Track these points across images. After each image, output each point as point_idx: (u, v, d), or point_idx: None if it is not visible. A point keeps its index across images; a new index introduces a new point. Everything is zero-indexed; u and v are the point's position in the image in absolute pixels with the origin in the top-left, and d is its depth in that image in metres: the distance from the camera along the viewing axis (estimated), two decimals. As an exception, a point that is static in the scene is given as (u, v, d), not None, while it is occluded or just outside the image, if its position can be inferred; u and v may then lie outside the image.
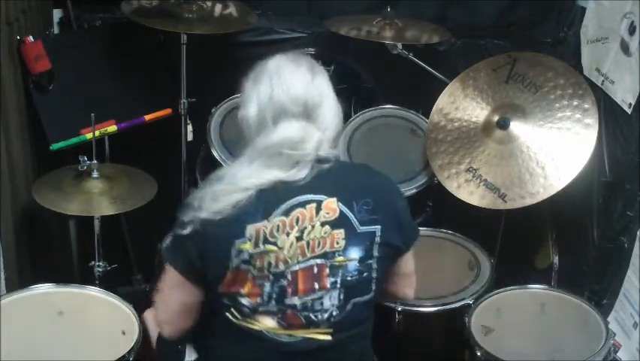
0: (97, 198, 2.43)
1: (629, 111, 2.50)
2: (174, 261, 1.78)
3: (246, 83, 1.78)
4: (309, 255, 1.72)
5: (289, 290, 1.73)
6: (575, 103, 2.51)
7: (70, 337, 2.14)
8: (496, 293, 2.32)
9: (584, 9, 2.85)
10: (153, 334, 2.00)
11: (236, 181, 1.70)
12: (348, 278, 1.76)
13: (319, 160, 1.74)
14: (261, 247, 1.70)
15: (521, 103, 2.59)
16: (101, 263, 2.58)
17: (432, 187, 2.80)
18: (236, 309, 1.76)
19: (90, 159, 2.46)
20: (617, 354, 2.37)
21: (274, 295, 1.73)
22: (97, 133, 2.57)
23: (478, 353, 2.12)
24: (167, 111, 2.97)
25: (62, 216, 2.50)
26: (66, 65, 2.83)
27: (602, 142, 2.61)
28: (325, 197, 1.72)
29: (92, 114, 2.46)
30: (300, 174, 1.71)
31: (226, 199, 1.68)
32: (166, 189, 2.60)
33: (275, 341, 1.76)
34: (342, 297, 1.76)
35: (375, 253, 1.77)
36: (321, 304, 1.75)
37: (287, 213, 1.70)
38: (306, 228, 1.71)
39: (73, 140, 2.78)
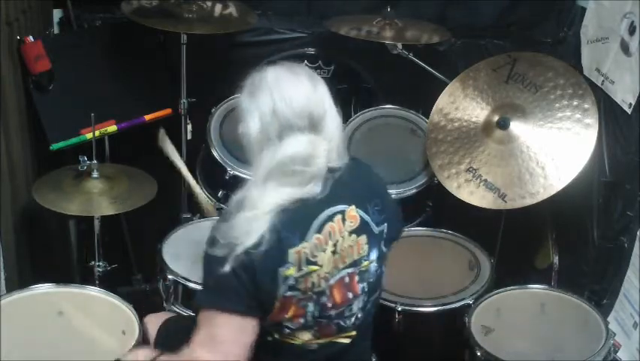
0: (97, 198, 2.43)
1: (629, 111, 2.50)
2: (227, 304, 1.62)
3: (243, 97, 1.70)
4: (341, 266, 1.71)
5: (329, 305, 1.71)
6: (575, 103, 2.51)
7: (70, 337, 2.14)
8: (496, 293, 2.32)
9: (584, 9, 2.85)
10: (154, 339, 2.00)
11: (258, 205, 1.62)
12: (371, 280, 1.76)
13: (330, 170, 1.70)
14: (304, 269, 1.65)
15: (521, 103, 2.59)
16: (101, 263, 2.58)
17: (432, 187, 2.80)
18: (277, 332, 1.72)
19: (90, 159, 2.46)
20: (617, 354, 2.37)
21: (316, 313, 1.71)
22: (97, 133, 2.57)
23: (478, 353, 2.12)
24: (167, 111, 2.97)
25: (62, 216, 2.50)
26: (66, 65, 2.83)
27: (602, 142, 2.61)
28: (346, 206, 1.70)
29: (92, 114, 2.46)
30: (317, 188, 1.66)
31: (256, 227, 1.60)
32: (166, 189, 2.60)
33: (306, 350, 1.74)
34: (365, 299, 1.77)
35: (384, 249, 1.78)
36: (350, 310, 1.75)
37: (319, 229, 1.66)
38: (338, 241, 1.69)
39: (73, 140, 2.79)
